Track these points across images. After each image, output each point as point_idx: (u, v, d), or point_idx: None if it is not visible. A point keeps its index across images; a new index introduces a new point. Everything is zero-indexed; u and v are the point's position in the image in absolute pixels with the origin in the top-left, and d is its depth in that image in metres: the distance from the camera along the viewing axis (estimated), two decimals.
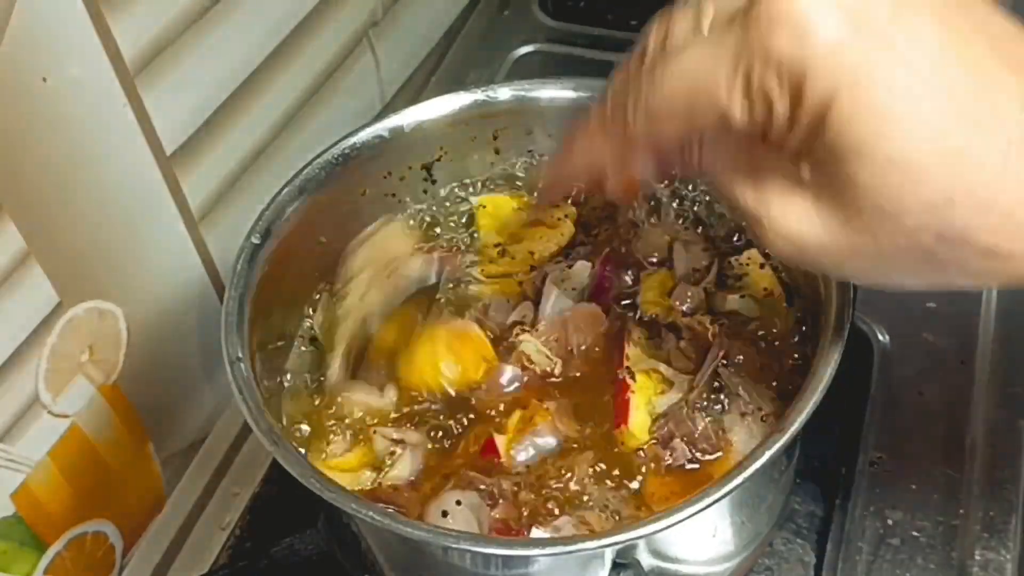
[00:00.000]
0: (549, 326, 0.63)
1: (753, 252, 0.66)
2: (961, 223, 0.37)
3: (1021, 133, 0.36)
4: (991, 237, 0.37)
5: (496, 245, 0.70)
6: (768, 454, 0.49)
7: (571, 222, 0.70)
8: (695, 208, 0.69)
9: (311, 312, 0.68)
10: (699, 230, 0.68)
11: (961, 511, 0.66)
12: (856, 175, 0.37)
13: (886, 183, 0.37)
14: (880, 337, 0.76)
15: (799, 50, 0.36)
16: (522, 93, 0.69)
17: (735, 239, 0.68)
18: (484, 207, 0.72)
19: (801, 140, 0.39)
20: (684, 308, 0.63)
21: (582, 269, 0.66)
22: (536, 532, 0.55)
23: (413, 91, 0.99)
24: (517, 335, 0.63)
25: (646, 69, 0.42)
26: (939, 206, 0.37)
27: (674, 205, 0.69)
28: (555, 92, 0.69)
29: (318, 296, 0.68)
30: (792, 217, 0.41)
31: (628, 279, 0.66)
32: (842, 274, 0.46)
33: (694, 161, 0.45)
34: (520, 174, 0.73)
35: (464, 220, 0.72)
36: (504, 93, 0.69)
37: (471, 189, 0.73)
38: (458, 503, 0.55)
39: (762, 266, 0.65)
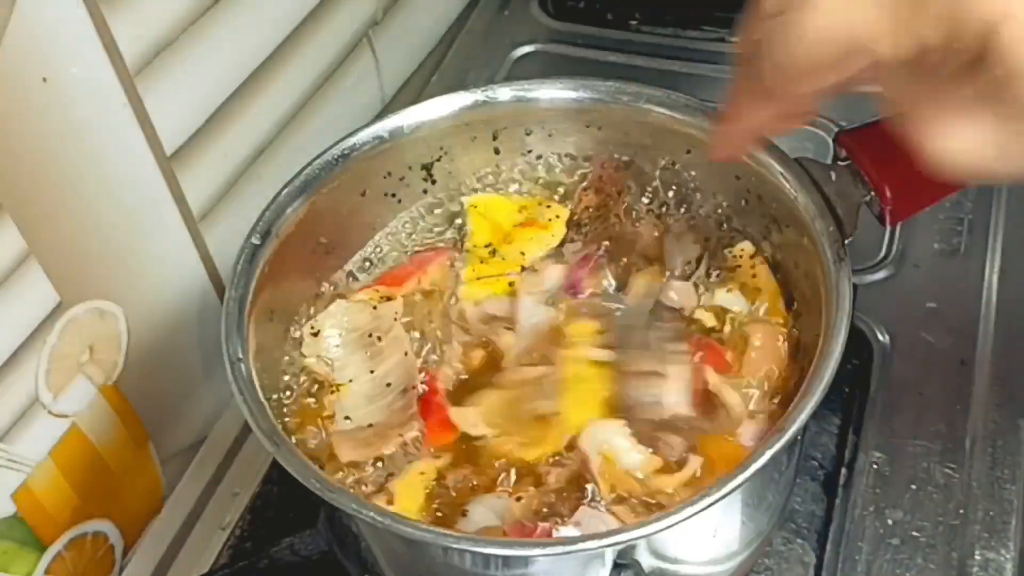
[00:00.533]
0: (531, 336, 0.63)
1: (746, 244, 0.66)
2: None
3: None
4: None
5: (486, 246, 0.70)
6: (769, 453, 0.49)
7: (562, 222, 0.70)
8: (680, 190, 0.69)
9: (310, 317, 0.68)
10: (688, 215, 0.68)
11: (961, 511, 0.66)
12: (1021, 93, 0.38)
13: None
14: (880, 337, 0.76)
15: None
16: (522, 93, 0.69)
17: (722, 226, 0.67)
18: (475, 207, 0.71)
19: (963, 65, 0.39)
20: (674, 304, 0.63)
21: (553, 272, 0.66)
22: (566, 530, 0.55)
23: (413, 91, 0.99)
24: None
25: (778, 25, 0.42)
26: None
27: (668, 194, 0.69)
28: (555, 92, 0.69)
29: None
30: (958, 138, 0.41)
31: (612, 279, 0.66)
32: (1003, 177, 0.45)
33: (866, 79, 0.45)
34: (519, 175, 0.73)
35: (457, 220, 0.72)
36: (504, 93, 0.69)
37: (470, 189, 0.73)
38: None
39: (753, 256, 0.65)
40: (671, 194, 0.70)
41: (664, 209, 0.70)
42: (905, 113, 0.43)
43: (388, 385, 0.63)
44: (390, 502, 0.57)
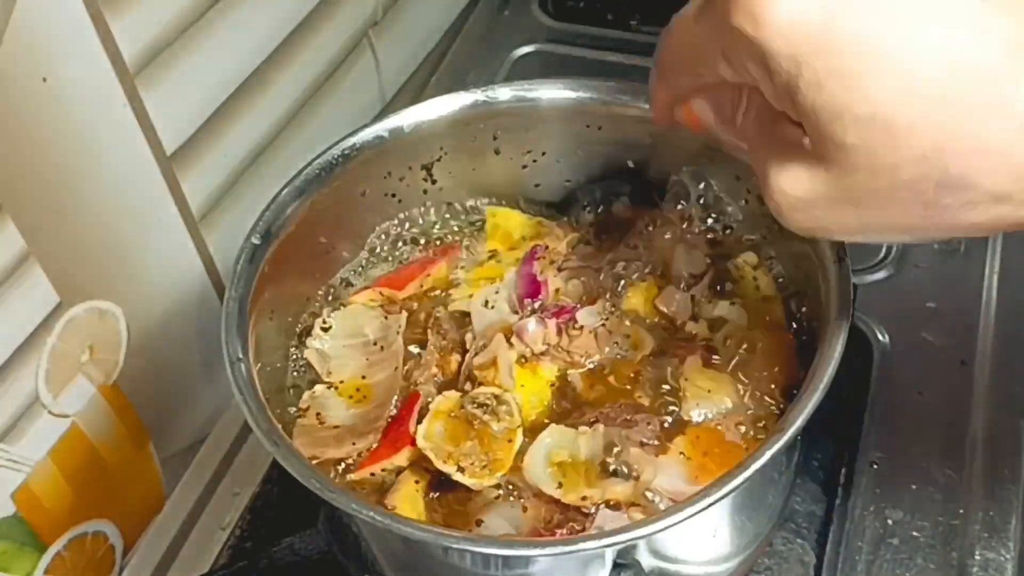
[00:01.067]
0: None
1: (749, 255, 0.66)
2: (957, 170, 0.37)
3: (1008, 73, 0.36)
4: (991, 179, 0.37)
5: (490, 252, 0.70)
6: (769, 453, 0.49)
7: (567, 243, 0.70)
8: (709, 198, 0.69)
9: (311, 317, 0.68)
10: (706, 228, 0.68)
11: (961, 511, 0.66)
12: (841, 136, 0.38)
13: (870, 141, 0.37)
14: (880, 337, 0.76)
15: (755, 31, 0.37)
16: (522, 93, 0.69)
17: (727, 230, 0.68)
18: (494, 216, 0.72)
19: (787, 107, 0.39)
20: (669, 312, 0.63)
21: (508, 280, 0.67)
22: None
23: (413, 91, 0.99)
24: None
25: (666, 28, 0.47)
26: (929, 156, 0.37)
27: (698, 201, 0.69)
28: (555, 92, 0.69)
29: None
30: (790, 179, 0.41)
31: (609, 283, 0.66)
32: (850, 235, 0.45)
33: (737, 124, 0.48)
34: (518, 177, 0.73)
35: (468, 225, 0.73)
36: (504, 93, 0.69)
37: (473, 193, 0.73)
38: None
39: (756, 267, 0.65)
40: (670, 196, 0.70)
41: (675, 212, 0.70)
42: (757, 143, 0.45)
43: (370, 395, 0.63)
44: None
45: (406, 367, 0.63)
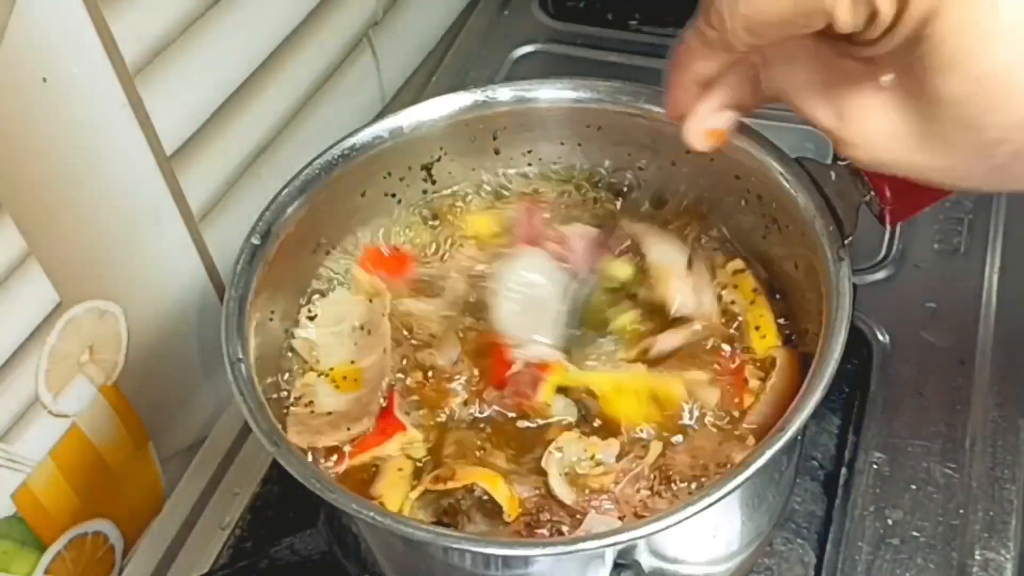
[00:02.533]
0: None
1: (737, 262, 0.66)
2: None
3: None
4: None
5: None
6: (769, 453, 0.49)
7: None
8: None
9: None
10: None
11: (961, 511, 0.66)
12: (943, 87, 0.38)
13: (974, 98, 0.38)
14: (880, 337, 0.76)
15: None
16: (522, 93, 0.69)
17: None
18: (466, 224, 0.72)
19: (896, 46, 0.39)
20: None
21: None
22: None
23: (413, 91, 0.99)
24: None
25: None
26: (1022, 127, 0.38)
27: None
28: (555, 92, 0.69)
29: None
30: (871, 123, 0.42)
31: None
32: (913, 172, 0.45)
33: (764, 83, 0.47)
34: (519, 175, 0.73)
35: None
36: (504, 93, 0.69)
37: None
38: None
39: (741, 271, 0.65)
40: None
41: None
42: (825, 93, 0.44)
43: (361, 379, 0.63)
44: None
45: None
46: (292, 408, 0.62)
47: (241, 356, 0.56)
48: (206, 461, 0.77)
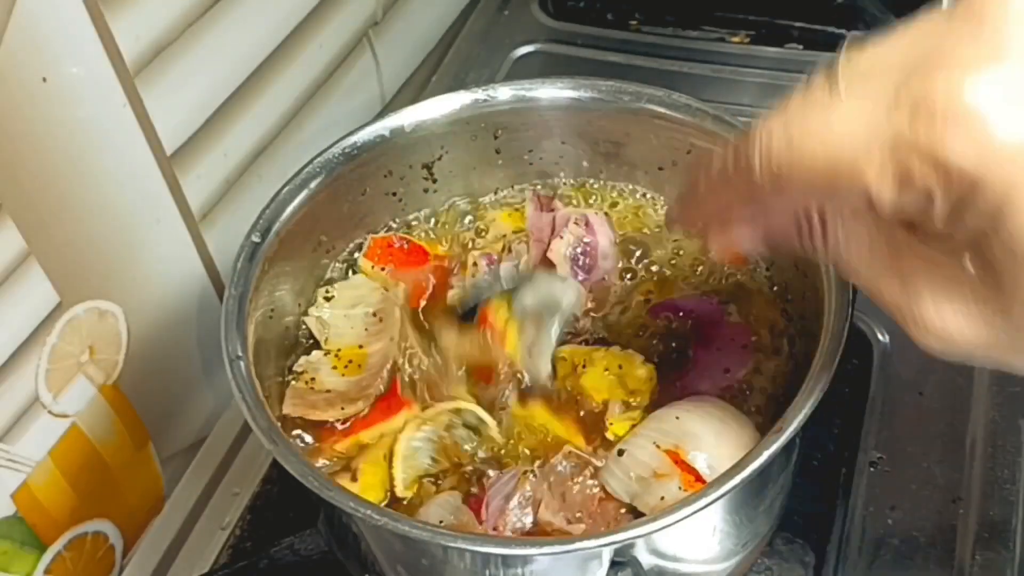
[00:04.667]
0: None
1: None
2: None
3: None
4: None
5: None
6: (767, 453, 0.49)
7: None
8: None
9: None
10: None
11: (961, 511, 0.66)
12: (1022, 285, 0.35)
13: None
14: (880, 337, 0.76)
15: (975, 154, 0.33)
16: (522, 93, 0.69)
17: None
18: (483, 219, 0.73)
19: (963, 238, 0.36)
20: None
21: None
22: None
23: (413, 91, 0.99)
24: None
25: (780, 122, 0.38)
26: None
27: None
28: (555, 92, 0.69)
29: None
30: (948, 314, 0.38)
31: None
32: (998, 365, 0.42)
33: (818, 241, 0.42)
34: (517, 176, 0.73)
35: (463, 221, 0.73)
36: (504, 93, 0.69)
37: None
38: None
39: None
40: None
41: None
42: (893, 270, 0.40)
43: (364, 364, 0.64)
44: (354, 478, 0.59)
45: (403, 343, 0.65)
46: (292, 382, 0.64)
47: (241, 354, 0.56)
48: (206, 461, 0.77)
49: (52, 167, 0.59)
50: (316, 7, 0.80)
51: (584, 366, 0.62)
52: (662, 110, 0.67)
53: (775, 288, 0.65)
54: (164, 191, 0.68)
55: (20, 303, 0.58)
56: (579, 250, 0.68)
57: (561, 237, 0.68)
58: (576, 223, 0.68)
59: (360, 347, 0.65)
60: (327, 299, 0.67)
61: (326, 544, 0.58)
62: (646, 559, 0.52)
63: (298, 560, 0.58)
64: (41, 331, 0.61)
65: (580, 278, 0.67)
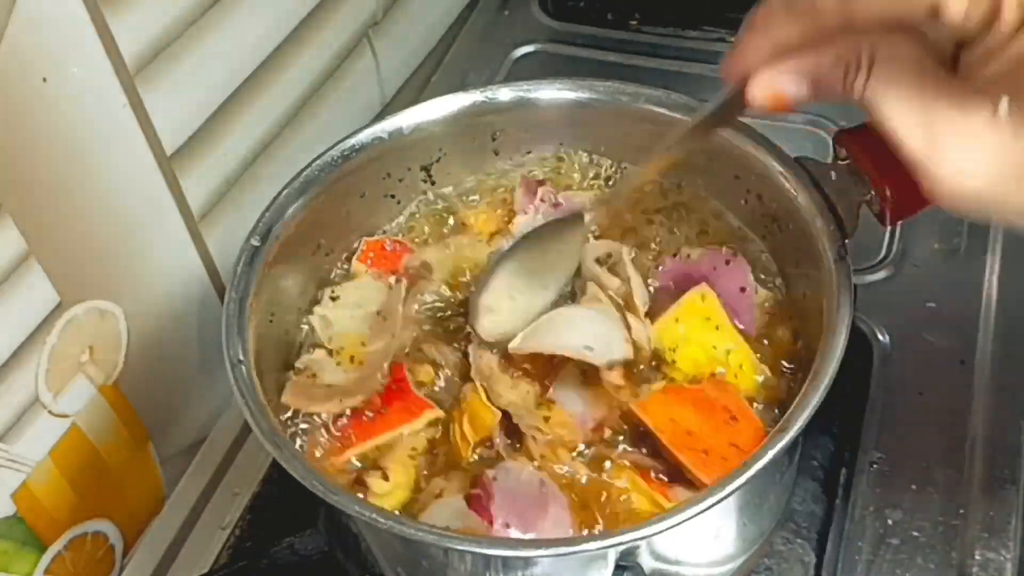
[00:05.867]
0: None
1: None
2: None
3: None
4: None
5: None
6: (772, 453, 0.49)
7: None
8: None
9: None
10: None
11: (961, 511, 0.66)
12: None
13: None
14: (880, 337, 0.76)
15: None
16: (522, 94, 0.69)
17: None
18: (470, 217, 0.72)
19: (1017, 59, 0.35)
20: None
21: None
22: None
23: (413, 91, 0.99)
24: None
25: None
26: None
27: None
28: (555, 92, 0.69)
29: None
30: (969, 152, 0.38)
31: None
32: (1006, 218, 0.41)
33: (860, 82, 0.41)
34: (516, 177, 0.73)
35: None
36: (504, 94, 0.69)
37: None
38: None
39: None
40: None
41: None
42: (923, 111, 0.39)
43: (365, 361, 0.64)
44: (385, 477, 0.58)
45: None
46: (294, 376, 0.63)
47: (242, 358, 0.56)
48: (206, 461, 0.77)
49: (52, 167, 0.59)
50: (316, 7, 0.80)
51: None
52: (662, 110, 0.67)
53: (776, 287, 0.65)
54: (164, 191, 0.68)
55: (20, 303, 0.58)
56: (538, 224, 0.67)
57: (525, 212, 0.69)
58: (543, 199, 0.68)
59: (363, 344, 0.65)
60: (333, 299, 0.67)
61: (326, 544, 0.58)
62: (648, 562, 0.52)
63: (298, 560, 0.58)
64: (41, 331, 0.60)
65: None
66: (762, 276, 0.66)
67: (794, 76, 0.44)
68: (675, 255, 0.66)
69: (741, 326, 0.63)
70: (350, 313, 0.66)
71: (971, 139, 0.38)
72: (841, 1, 0.38)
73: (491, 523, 0.55)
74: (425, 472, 0.59)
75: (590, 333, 0.59)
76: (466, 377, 0.62)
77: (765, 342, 0.63)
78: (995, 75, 0.37)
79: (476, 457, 0.59)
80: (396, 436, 0.60)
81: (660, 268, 0.66)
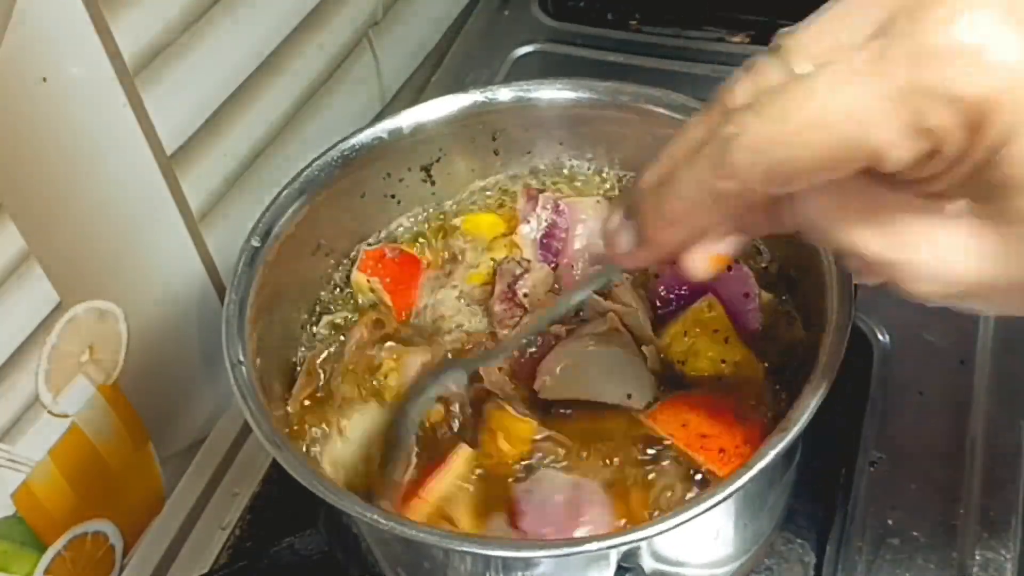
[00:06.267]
0: None
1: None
2: None
3: None
4: None
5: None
6: (773, 453, 0.49)
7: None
8: None
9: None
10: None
11: (961, 511, 0.66)
12: None
13: None
14: (880, 337, 0.76)
15: (983, 83, 0.33)
16: (522, 94, 0.69)
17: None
18: (468, 223, 0.72)
19: (967, 175, 0.36)
20: None
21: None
22: None
23: (413, 91, 0.99)
24: None
25: (757, 123, 0.36)
26: None
27: None
28: (555, 93, 0.69)
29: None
30: (945, 255, 0.38)
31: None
32: (998, 309, 0.43)
33: (787, 217, 0.41)
34: (516, 178, 0.73)
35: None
36: (503, 94, 0.69)
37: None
38: None
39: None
40: None
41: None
42: (874, 225, 0.39)
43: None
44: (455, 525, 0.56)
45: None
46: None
47: (242, 359, 0.56)
48: (206, 461, 0.77)
49: (52, 167, 0.59)
50: (316, 7, 0.80)
51: None
52: (661, 110, 0.67)
53: (777, 287, 0.65)
54: (164, 191, 0.68)
55: (20, 303, 0.58)
56: (544, 233, 0.68)
57: (528, 222, 0.68)
58: (544, 207, 0.68)
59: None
60: (342, 437, 0.62)
61: (326, 544, 0.58)
62: (649, 564, 0.52)
63: (298, 560, 0.58)
64: (41, 331, 0.60)
65: (549, 262, 0.67)
66: (762, 276, 0.66)
67: (727, 241, 0.43)
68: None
69: (747, 330, 0.63)
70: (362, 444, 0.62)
71: (935, 239, 0.38)
72: (768, 181, 0.37)
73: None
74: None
75: (629, 377, 0.60)
76: (478, 404, 0.61)
77: (766, 341, 0.63)
78: (944, 190, 0.37)
79: (522, 472, 0.58)
80: (449, 487, 0.58)
81: (659, 277, 0.65)
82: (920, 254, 0.39)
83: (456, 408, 0.61)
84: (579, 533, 0.54)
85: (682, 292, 0.64)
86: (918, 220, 0.38)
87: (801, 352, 0.62)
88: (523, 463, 0.58)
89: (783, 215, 0.41)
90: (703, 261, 0.44)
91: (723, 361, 0.61)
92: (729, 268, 0.64)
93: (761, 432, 0.57)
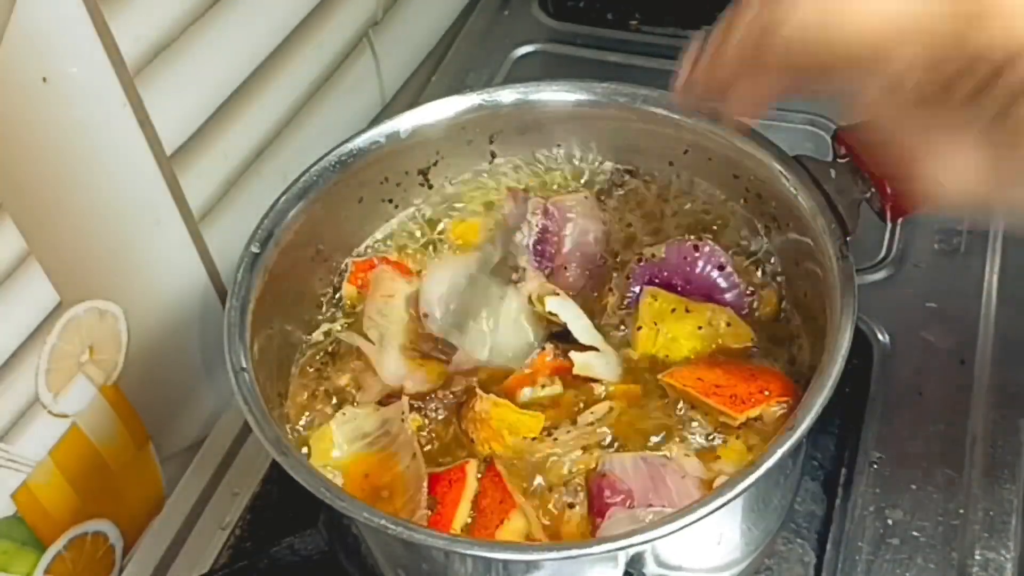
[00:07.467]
0: None
1: None
2: None
3: None
4: None
5: None
6: (780, 452, 0.49)
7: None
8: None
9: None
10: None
11: (961, 511, 0.66)
12: None
13: None
14: (880, 337, 0.76)
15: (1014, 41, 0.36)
16: (520, 96, 0.69)
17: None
18: (456, 228, 0.72)
19: (994, 102, 0.38)
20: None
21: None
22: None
23: (413, 91, 0.99)
24: None
25: (812, 3, 0.39)
26: None
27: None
28: (552, 95, 0.69)
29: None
30: (966, 173, 0.41)
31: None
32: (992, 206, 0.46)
33: (858, 106, 0.43)
34: (515, 180, 0.73)
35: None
36: (502, 96, 0.69)
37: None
38: None
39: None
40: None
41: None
42: (899, 140, 0.43)
43: (399, 489, 0.59)
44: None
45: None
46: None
47: (244, 365, 0.56)
48: (206, 461, 0.77)
49: (52, 167, 0.59)
50: (316, 7, 0.80)
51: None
52: (660, 110, 0.67)
53: (778, 279, 0.65)
54: (164, 191, 0.68)
55: (20, 303, 0.58)
56: (536, 239, 0.67)
57: (515, 224, 0.68)
58: (535, 212, 0.68)
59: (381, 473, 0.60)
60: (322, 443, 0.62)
61: (326, 544, 0.58)
62: (651, 568, 0.52)
63: (298, 560, 0.58)
64: (41, 331, 0.60)
65: (544, 267, 0.67)
66: (762, 276, 0.66)
67: (767, 102, 0.47)
68: (639, 259, 0.66)
69: (730, 301, 0.64)
70: (343, 452, 0.61)
71: (964, 159, 0.41)
72: (802, 65, 0.41)
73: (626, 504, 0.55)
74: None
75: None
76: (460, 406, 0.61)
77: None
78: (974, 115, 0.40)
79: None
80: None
81: (629, 278, 0.66)
82: (950, 169, 0.41)
83: (433, 409, 0.62)
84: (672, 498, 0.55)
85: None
86: (956, 140, 0.41)
87: (801, 351, 0.62)
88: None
89: (856, 104, 0.43)
90: (739, 114, 0.49)
91: (700, 328, 0.62)
92: (696, 248, 0.65)
93: (778, 381, 0.59)
